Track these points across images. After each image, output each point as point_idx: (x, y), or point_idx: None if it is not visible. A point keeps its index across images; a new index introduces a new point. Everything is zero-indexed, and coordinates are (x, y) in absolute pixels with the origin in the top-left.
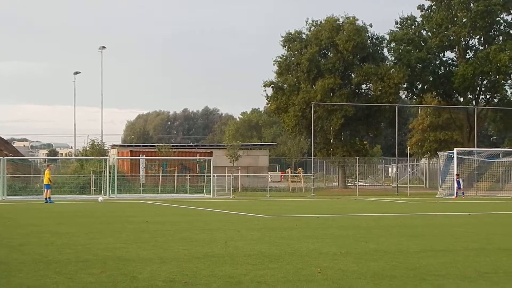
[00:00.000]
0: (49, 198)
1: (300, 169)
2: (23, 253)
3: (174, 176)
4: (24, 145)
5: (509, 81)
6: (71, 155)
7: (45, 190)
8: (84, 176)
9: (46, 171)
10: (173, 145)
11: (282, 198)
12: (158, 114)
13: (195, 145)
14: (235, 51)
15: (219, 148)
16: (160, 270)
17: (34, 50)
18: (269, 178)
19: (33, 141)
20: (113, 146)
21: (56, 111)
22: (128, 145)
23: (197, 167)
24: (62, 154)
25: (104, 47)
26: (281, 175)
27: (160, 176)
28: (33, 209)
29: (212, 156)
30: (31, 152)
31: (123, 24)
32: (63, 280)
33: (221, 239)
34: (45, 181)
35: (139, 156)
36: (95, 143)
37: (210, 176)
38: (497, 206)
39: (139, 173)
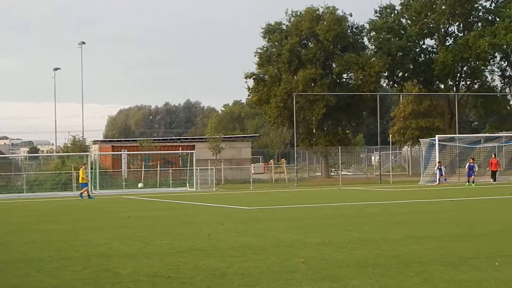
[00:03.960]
0: (88, 194)
1: (283, 160)
2: (5, 252)
3: (157, 170)
4: (4, 143)
5: (488, 67)
6: (52, 152)
7: (83, 188)
8: (65, 173)
9: (81, 170)
10: (155, 139)
11: (266, 190)
12: (139, 109)
13: (177, 139)
14: (216, 43)
15: (201, 141)
16: (143, 265)
17: (11, 45)
18: (252, 170)
19: (14, 139)
20: (95, 142)
21: (37, 108)
22: (109, 141)
23: (180, 161)
24: (43, 151)
25: (83, 43)
26: (264, 167)
27: (143, 171)
28: (15, 207)
29: (194, 149)
30: (12, 150)
31: (103, 18)
32: (45, 278)
33: (205, 232)
34: (81, 180)
35: (121, 151)
36: (77, 139)
37: (193, 169)
38: (479, 192)
39: (121, 168)
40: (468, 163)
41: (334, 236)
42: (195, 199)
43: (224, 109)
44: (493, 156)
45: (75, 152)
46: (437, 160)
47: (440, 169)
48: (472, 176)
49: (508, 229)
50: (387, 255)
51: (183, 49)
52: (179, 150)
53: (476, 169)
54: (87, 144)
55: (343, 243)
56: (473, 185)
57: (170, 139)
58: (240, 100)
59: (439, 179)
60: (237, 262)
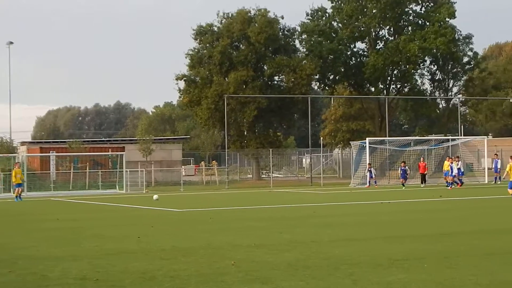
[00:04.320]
0: (19, 195)
1: (214, 162)
2: None
3: (86, 172)
4: None
5: (418, 71)
6: None
7: (16, 189)
8: None
9: (17, 169)
10: (84, 141)
11: (196, 192)
12: (68, 110)
13: (107, 140)
14: (147, 44)
15: (131, 143)
16: (71, 268)
17: None
18: (183, 172)
19: None
20: (23, 143)
21: None
22: (38, 142)
23: (109, 163)
24: None
25: (11, 43)
26: (195, 169)
27: (72, 173)
28: None
29: (124, 151)
30: None
31: (29, 17)
32: None
33: (134, 235)
34: (16, 181)
35: (49, 152)
36: (4, 141)
37: (122, 171)
38: (408, 194)
39: (49, 170)
40: (400, 167)
41: (265, 238)
42: (124, 201)
43: (154, 110)
44: (421, 159)
45: (2, 154)
46: (368, 163)
47: (370, 172)
48: (402, 179)
49: (436, 231)
50: (317, 257)
51: (114, 50)
52: (108, 151)
53: (408, 172)
54: (14, 145)
55: (273, 245)
56: (403, 188)
57: (99, 141)
58: (171, 101)
59: (369, 181)
60: (166, 264)
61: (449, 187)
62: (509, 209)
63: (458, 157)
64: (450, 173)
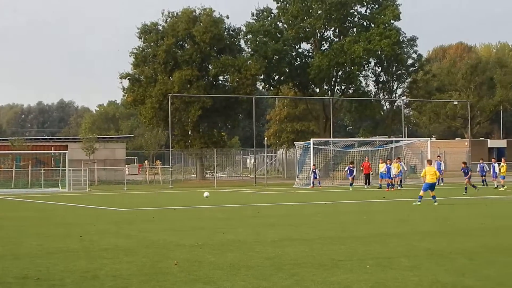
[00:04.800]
0: None
1: (158, 161)
2: None
3: (28, 170)
4: None
5: (363, 72)
6: None
7: None
8: None
9: None
10: (27, 139)
11: (140, 191)
12: (11, 107)
13: (50, 139)
14: (91, 42)
15: (75, 141)
16: (12, 267)
17: None
18: (127, 171)
19: None
20: None
21: None
22: None
23: (52, 161)
24: None
25: None
26: (138, 168)
27: (14, 171)
28: None
29: (67, 150)
30: None
31: None
32: None
33: (76, 234)
34: None
35: None
36: None
37: (65, 169)
38: (351, 195)
39: None
40: (347, 167)
41: (208, 238)
42: (67, 200)
43: (98, 109)
44: (366, 159)
45: None
46: (312, 164)
47: (314, 173)
48: (317, 179)
49: (379, 232)
50: (260, 257)
51: (58, 48)
52: (51, 150)
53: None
54: None
55: (216, 245)
56: (350, 188)
57: (42, 139)
58: (115, 100)
59: (313, 182)
60: (108, 263)
61: (386, 189)
62: (447, 210)
63: (399, 158)
64: (387, 175)
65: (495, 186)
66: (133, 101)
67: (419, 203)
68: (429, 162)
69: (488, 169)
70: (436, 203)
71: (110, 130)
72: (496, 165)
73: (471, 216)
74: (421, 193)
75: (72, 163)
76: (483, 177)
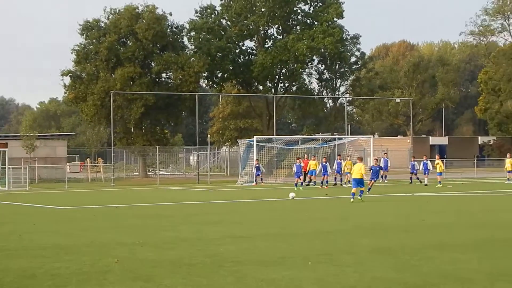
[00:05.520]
0: None
1: (100, 159)
2: None
3: None
4: None
5: (306, 70)
6: None
7: None
8: None
9: None
10: None
11: (81, 189)
12: None
13: None
14: (32, 39)
15: (15, 139)
16: None
17: None
18: (68, 169)
19: None
20: None
21: None
22: None
23: None
24: None
25: None
26: (80, 166)
27: None
28: None
29: (7, 147)
30: None
31: None
32: None
33: (16, 232)
34: None
35: None
36: None
37: (5, 167)
38: (295, 193)
39: None
40: (321, 163)
41: (149, 236)
42: (6, 198)
43: (39, 106)
44: (305, 157)
45: None
46: (255, 160)
47: (257, 169)
48: (260, 176)
49: (321, 229)
50: (202, 254)
51: None
52: None
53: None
54: None
55: (158, 243)
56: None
57: None
58: (57, 97)
59: (256, 179)
60: (48, 262)
61: (326, 186)
62: (388, 207)
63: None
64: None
65: (425, 183)
66: (74, 98)
67: (352, 200)
68: (360, 159)
69: (418, 167)
70: (360, 198)
71: (51, 127)
72: (428, 162)
73: (412, 213)
74: (353, 189)
75: (12, 161)
76: (413, 175)
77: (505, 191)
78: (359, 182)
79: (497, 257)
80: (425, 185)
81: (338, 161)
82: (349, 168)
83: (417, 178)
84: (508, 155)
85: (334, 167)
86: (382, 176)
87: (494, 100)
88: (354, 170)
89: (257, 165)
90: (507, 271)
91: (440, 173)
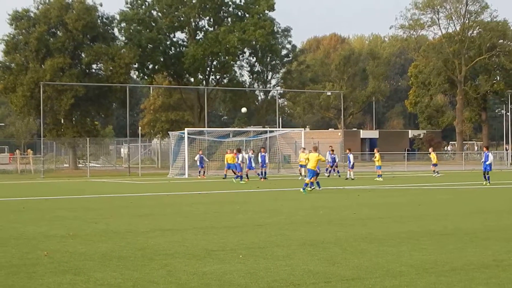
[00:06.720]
0: None
1: (29, 150)
2: None
3: None
4: None
5: (238, 62)
6: None
7: None
8: None
9: None
10: None
11: (10, 181)
12: None
13: None
14: None
15: None
16: None
17: None
18: None
19: None
20: None
21: None
22: None
23: None
24: None
25: None
26: (9, 157)
27: None
28: None
29: None
30: None
31: None
32: None
33: None
34: None
35: None
36: None
37: None
38: (225, 185)
39: None
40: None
41: (79, 228)
42: None
43: None
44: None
45: None
46: (199, 151)
47: (201, 161)
48: (247, 169)
49: (252, 222)
50: (132, 247)
51: None
52: None
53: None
54: None
55: (88, 235)
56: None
57: None
58: None
59: (200, 171)
60: None
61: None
62: (321, 200)
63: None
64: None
65: (347, 177)
66: (3, 89)
67: (310, 189)
68: (315, 149)
69: (338, 160)
70: (303, 190)
71: None
72: (351, 155)
73: (344, 206)
74: (308, 180)
75: None
76: (332, 168)
77: (433, 185)
78: (314, 173)
79: (426, 249)
80: (352, 179)
81: (262, 154)
82: (303, 161)
83: (337, 172)
84: (430, 149)
85: (259, 160)
86: (327, 169)
87: (424, 93)
88: (309, 160)
89: (200, 155)
90: (436, 264)
91: (379, 167)
